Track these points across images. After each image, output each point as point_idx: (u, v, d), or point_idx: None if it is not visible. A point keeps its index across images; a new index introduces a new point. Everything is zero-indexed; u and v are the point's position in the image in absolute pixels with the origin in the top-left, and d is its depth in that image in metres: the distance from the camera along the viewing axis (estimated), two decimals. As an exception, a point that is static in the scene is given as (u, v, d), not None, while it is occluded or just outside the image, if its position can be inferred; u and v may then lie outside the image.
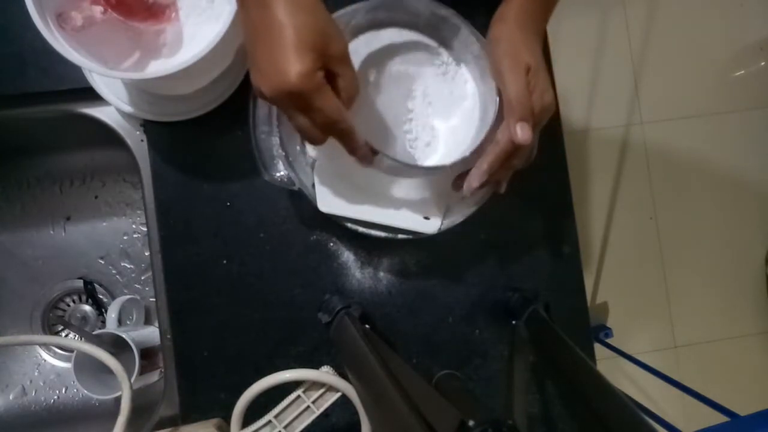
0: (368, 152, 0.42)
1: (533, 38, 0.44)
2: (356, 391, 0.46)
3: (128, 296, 0.74)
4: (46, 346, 0.75)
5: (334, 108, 0.37)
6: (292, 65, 0.34)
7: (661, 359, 1.45)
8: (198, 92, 0.52)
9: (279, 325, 0.57)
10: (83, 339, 0.68)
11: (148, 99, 0.54)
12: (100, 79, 0.54)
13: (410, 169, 0.46)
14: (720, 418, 0.89)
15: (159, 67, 0.47)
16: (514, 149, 0.43)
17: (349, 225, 0.50)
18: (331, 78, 0.38)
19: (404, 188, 0.52)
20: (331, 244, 0.58)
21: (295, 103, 0.36)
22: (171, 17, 0.48)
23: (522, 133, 0.42)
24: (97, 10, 0.44)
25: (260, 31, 0.36)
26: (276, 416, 0.47)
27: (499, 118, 0.45)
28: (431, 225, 0.50)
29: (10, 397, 0.73)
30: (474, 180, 0.45)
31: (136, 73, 0.46)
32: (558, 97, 0.59)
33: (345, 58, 0.38)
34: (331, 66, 0.37)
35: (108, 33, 0.47)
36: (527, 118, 0.42)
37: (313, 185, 0.50)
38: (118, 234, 0.77)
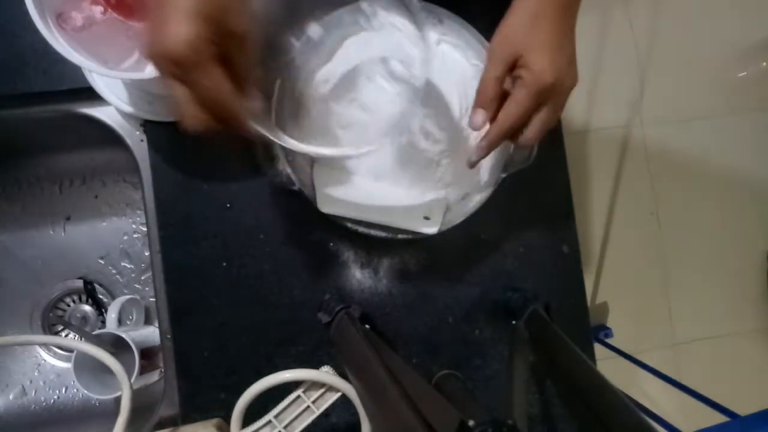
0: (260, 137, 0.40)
1: (543, 26, 0.41)
2: (356, 391, 0.46)
3: (128, 296, 0.74)
4: (46, 346, 0.75)
5: (219, 87, 0.35)
6: (180, 29, 0.32)
7: (661, 359, 1.45)
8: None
9: (279, 325, 0.57)
10: (83, 339, 0.68)
11: (148, 99, 0.54)
12: (100, 79, 0.54)
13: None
14: (720, 418, 0.89)
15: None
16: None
17: (349, 225, 0.51)
18: (227, 57, 0.35)
19: (404, 188, 0.52)
20: (331, 244, 0.58)
21: (174, 71, 0.34)
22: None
23: (472, 119, 0.43)
24: (97, 10, 0.44)
25: None
26: (276, 416, 0.47)
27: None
28: (431, 225, 0.50)
29: (10, 397, 0.73)
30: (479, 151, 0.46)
31: (135, 73, 0.46)
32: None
33: (244, 39, 0.36)
34: (227, 44, 0.35)
35: (108, 33, 0.47)
36: (484, 105, 0.42)
37: (313, 185, 0.50)
38: (118, 234, 0.77)
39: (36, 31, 0.41)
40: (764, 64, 1.50)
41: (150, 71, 0.45)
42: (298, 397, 0.47)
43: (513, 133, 0.43)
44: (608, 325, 1.41)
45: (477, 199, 0.51)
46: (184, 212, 0.56)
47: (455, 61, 0.52)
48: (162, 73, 0.35)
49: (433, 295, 0.58)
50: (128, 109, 0.54)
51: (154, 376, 0.69)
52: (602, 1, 1.47)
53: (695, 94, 1.49)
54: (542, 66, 0.40)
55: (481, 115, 0.43)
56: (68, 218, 0.76)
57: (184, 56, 0.33)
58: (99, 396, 0.64)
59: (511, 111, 0.42)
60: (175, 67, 0.33)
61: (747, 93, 1.50)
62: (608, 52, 1.47)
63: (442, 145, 0.51)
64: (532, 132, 0.43)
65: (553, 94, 0.41)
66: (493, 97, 0.42)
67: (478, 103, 0.43)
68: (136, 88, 0.54)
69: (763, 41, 1.50)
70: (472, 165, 0.46)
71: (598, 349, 1.29)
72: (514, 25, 0.42)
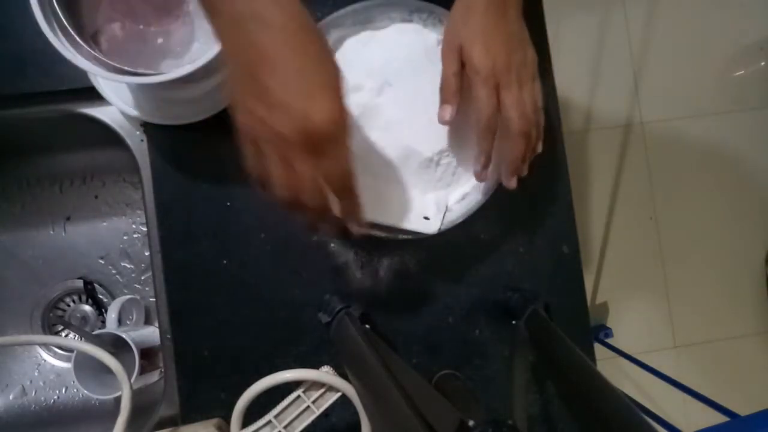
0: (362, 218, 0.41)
1: (474, 16, 0.43)
2: (356, 391, 0.46)
3: (128, 296, 0.74)
4: (46, 346, 0.75)
5: (346, 163, 0.35)
6: (334, 105, 0.32)
7: (661, 359, 1.45)
8: (202, 95, 0.52)
9: (279, 325, 0.57)
10: (83, 339, 0.68)
11: (154, 102, 0.53)
12: (104, 81, 0.53)
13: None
14: (720, 418, 0.89)
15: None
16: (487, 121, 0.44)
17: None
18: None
19: (404, 188, 0.52)
20: (331, 244, 0.58)
21: (313, 149, 0.33)
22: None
23: (439, 115, 0.46)
24: (116, 26, 0.44)
25: (281, 57, 0.31)
26: (276, 416, 0.47)
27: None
28: (431, 225, 0.50)
29: (10, 397, 0.73)
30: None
31: (171, 74, 0.43)
32: (558, 98, 0.60)
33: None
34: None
35: (134, 43, 0.47)
36: (447, 101, 0.45)
37: (313, 185, 0.50)
38: (118, 234, 0.77)
39: (36, 31, 0.41)
40: (762, 63, 1.50)
41: (175, 72, 0.43)
42: (298, 397, 0.47)
43: (493, 122, 0.44)
44: (608, 325, 1.41)
45: (477, 199, 0.51)
46: (184, 212, 0.56)
47: None
48: (286, 155, 0.34)
49: (433, 295, 0.58)
50: (133, 112, 0.53)
51: (154, 376, 0.69)
52: (601, 1, 1.48)
53: (694, 93, 1.49)
54: (477, 55, 0.42)
55: (447, 110, 0.46)
56: (68, 218, 0.76)
57: (329, 132, 0.32)
58: (99, 396, 0.64)
59: (477, 107, 0.44)
60: (315, 145, 0.32)
61: (745, 92, 1.50)
62: (607, 52, 1.47)
63: (442, 144, 0.51)
64: (521, 106, 0.43)
65: (501, 75, 0.43)
66: (455, 92, 0.45)
67: (443, 100, 0.46)
68: (143, 92, 0.53)
69: (761, 40, 1.50)
70: (481, 177, 0.49)
71: (598, 349, 1.30)
72: (454, 19, 0.45)
